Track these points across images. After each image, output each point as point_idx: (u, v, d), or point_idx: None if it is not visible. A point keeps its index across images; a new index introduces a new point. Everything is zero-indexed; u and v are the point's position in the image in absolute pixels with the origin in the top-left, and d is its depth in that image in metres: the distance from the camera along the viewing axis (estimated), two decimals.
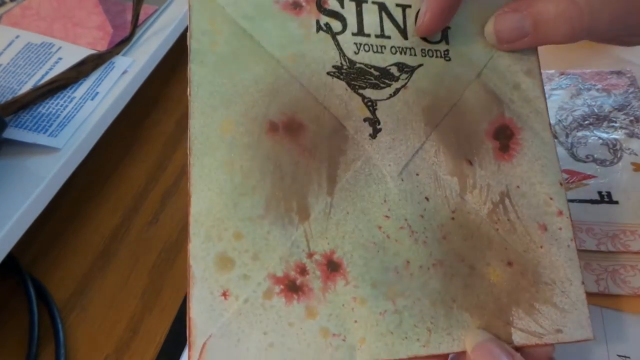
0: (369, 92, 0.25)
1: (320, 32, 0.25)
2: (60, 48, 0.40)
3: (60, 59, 0.39)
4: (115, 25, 0.42)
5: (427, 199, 0.24)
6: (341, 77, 0.25)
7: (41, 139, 0.34)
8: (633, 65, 0.44)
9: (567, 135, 0.39)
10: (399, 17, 0.27)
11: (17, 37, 0.40)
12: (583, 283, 0.25)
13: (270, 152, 0.23)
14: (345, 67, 0.25)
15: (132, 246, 0.38)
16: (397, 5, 0.27)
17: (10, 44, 0.40)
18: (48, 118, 0.35)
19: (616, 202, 0.34)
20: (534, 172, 0.26)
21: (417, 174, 0.25)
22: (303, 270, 0.22)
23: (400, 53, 0.26)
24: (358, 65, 0.25)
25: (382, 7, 0.26)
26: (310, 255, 0.23)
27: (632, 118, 0.39)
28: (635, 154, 0.37)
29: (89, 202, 0.40)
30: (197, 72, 0.23)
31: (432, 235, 0.24)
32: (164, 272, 0.36)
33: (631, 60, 0.45)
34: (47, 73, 0.38)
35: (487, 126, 0.26)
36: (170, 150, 0.44)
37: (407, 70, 0.26)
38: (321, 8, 0.26)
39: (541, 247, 0.25)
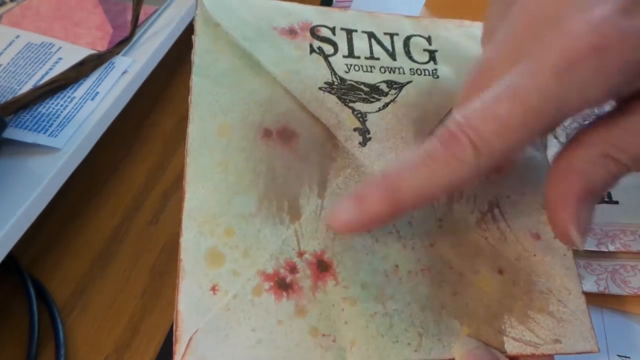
0: (359, 105, 0.26)
1: (314, 54, 0.27)
2: (60, 48, 0.40)
3: (60, 59, 0.39)
4: (115, 25, 0.42)
5: None
6: (332, 91, 0.27)
7: (41, 139, 0.34)
8: None
9: (567, 136, 0.39)
10: (387, 43, 0.29)
11: (17, 37, 0.40)
12: (583, 293, 0.24)
13: (264, 155, 0.24)
14: (336, 83, 0.27)
15: (132, 246, 0.38)
16: (385, 33, 0.29)
17: (10, 44, 0.40)
18: (48, 118, 0.35)
19: (616, 202, 0.34)
20: (524, 182, 0.26)
21: None
22: (293, 269, 0.22)
23: (389, 72, 0.28)
24: (349, 82, 0.27)
25: (371, 35, 0.29)
26: (300, 254, 0.23)
27: None
28: None
29: (89, 202, 0.40)
30: (199, 83, 0.25)
31: (420, 242, 0.24)
32: (164, 272, 0.36)
33: None
34: (47, 73, 0.38)
35: None
36: (170, 150, 0.44)
37: (395, 86, 0.28)
38: (314, 35, 0.28)
39: (534, 255, 0.25)
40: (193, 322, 0.21)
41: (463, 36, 0.30)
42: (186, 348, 0.20)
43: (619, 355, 0.31)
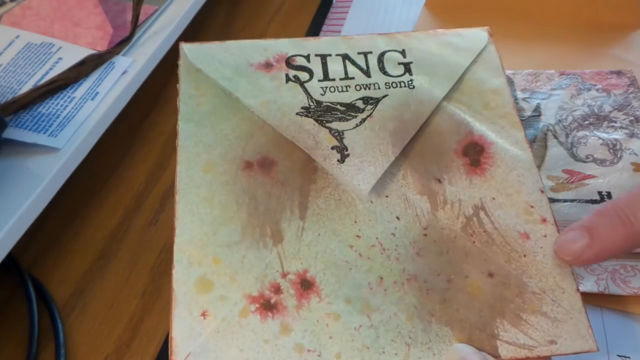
0: (335, 125, 0.28)
1: (290, 82, 0.29)
2: (60, 48, 0.40)
3: (60, 59, 0.39)
4: (115, 25, 0.42)
5: (397, 218, 0.25)
6: (309, 115, 0.28)
7: (41, 139, 0.34)
8: (633, 65, 0.44)
9: (567, 135, 0.39)
10: (361, 62, 0.30)
11: (17, 37, 0.40)
12: (578, 291, 0.24)
13: (246, 186, 0.26)
14: (312, 107, 0.28)
15: (132, 246, 0.38)
16: (359, 53, 0.31)
17: (10, 44, 0.40)
18: (48, 118, 0.35)
19: None
20: (509, 183, 0.26)
21: (387, 196, 0.26)
22: (277, 290, 0.23)
23: (365, 89, 0.29)
24: (325, 104, 0.28)
25: (345, 57, 0.30)
26: (284, 275, 0.24)
27: (632, 118, 0.39)
28: (635, 154, 0.37)
29: (89, 202, 0.40)
30: (184, 127, 0.28)
31: (405, 252, 0.25)
32: (164, 272, 0.37)
33: (631, 60, 0.45)
34: (47, 73, 0.38)
35: (455, 145, 0.28)
36: (170, 150, 0.44)
37: (371, 102, 0.28)
38: (290, 65, 0.30)
39: (525, 255, 0.25)
40: (185, 346, 0.22)
41: (437, 45, 0.31)
42: None
43: (618, 355, 0.31)
